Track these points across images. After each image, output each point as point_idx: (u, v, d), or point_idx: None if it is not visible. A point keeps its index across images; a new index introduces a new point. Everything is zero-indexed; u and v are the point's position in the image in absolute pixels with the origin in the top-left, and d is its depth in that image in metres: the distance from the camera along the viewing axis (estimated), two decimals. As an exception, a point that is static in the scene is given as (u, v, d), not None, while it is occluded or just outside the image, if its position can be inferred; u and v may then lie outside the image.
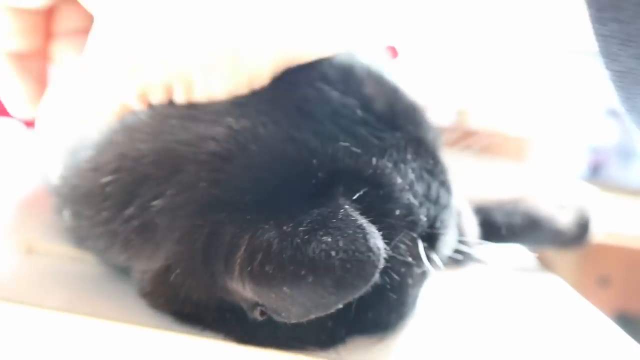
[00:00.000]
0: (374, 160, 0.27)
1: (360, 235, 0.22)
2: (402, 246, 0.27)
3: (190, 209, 0.25)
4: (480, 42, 1.50)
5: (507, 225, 0.51)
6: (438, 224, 0.29)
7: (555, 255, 1.21)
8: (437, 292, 0.35)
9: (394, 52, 1.40)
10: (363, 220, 0.23)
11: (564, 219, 0.54)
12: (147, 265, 0.27)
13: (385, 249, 0.23)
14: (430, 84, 1.51)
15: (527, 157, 1.30)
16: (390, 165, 0.27)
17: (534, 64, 1.42)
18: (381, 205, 0.26)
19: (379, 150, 0.27)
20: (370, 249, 0.22)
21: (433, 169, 0.30)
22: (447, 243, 0.31)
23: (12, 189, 0.50)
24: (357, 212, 0.24)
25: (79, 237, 0.31)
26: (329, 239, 0.22)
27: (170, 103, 0.27)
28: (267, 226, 0.23)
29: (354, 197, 0.25)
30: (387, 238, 0.24)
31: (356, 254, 0.22)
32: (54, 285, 0.32)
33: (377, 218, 0.25)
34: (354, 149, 0.26)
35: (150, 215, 0.26)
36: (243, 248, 0.23)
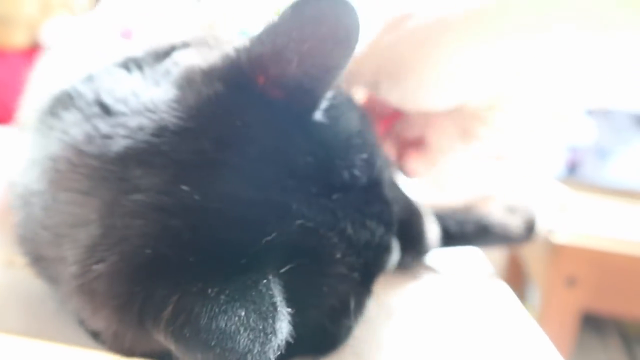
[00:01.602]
0: (321, 231, 0.29)
1: (271, 315, 0.24)
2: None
3: (129, 275, 0.26)
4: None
5: (459, 233, 0.54)
6: (375, 266, 0.32)
7: (525, 256, 1.24)
8: (385, 297, 0.37)
9: None
10: (278, 298, 0.25)
11: (513, 223, 0.56)
12: (90, 321, 0.29)
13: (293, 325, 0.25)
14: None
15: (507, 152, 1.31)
16: (334, 233, 0.29)
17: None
18: (316, 269, 0.29)
19: (329, 220, 0.29)
20: (275, 332, 0.24)
21: (380, 214, 0.32)
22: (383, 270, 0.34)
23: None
24: (278, 285, 0.26)
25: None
26: (242, 313, 0.24)
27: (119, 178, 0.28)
28: (194, 289, 0.24)
29: (282, 270, 0.27)
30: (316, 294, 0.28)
31: (262, 334, 0.24)
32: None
33: (309, 280, 0.28)
34: (307, 224, 0.28)
35: (90, 279, 0.27)
36: (170, 307, 0.24)
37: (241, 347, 0.23)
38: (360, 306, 0.32)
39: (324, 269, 0.29)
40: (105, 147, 0.29)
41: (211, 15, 0.46)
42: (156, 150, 0.28)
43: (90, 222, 0.28)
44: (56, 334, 0.33)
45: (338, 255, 0.30)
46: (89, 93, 0.32)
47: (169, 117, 0.29)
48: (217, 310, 0.24)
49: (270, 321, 0.24)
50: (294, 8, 0.28)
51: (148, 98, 0.30)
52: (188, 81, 0.30)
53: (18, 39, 1.10)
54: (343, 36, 0.28)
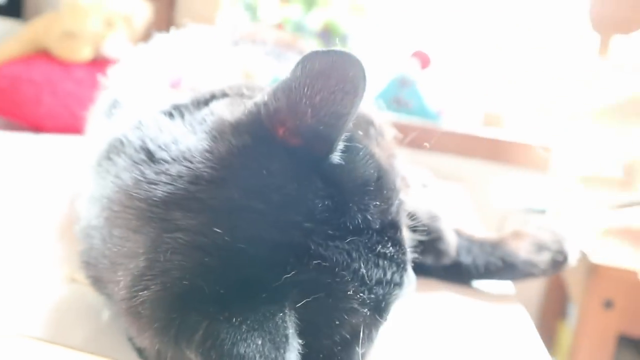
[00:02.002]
0: (336, 269, 0.33)
1: (283, 345, 0.29)
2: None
3: (169, 302, 0.31)
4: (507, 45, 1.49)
5: (485, 266, 0.56)
6: (387, 300, 0.36)
7: (566, 275, 1.23)
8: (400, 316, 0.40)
9: (425, 59, 1.41)
10: (291, 330, 0.30)
11: (540, 260, 0.58)
12: (137, 339, 0.33)
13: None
14: (459, 89, 1.51)
15: (549, 167, 1.30)
16: (347, 272, 0.33)
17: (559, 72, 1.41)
18: (330, 304, 0.33)
19: (343, 260, 0.33)
20: None
21: (392, 255, 0.36)
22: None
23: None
24: (294, 317, 0.31)
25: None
26: (260, 342, 0.28)
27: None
28: (221, 317, 0.29)
29: (299, 304, 0.31)
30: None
31: None
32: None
33: (323, 313, 0.33)
34: (323, 263, 0.32)
35: (136, 303, 0.32)
36: (200, 332, 0.29)
37: None
38: (370, 336, 0.35)
39: (337, 304, 0.33)
40: (150, 192, 0.34)
41: (247, 62, 0.50)
42: (193, 196, 0.33)
43: (139, 255, 0.33)
44: (110, 347, 0.38)
45: (350, 292, 0.33)
46: (136, 140, 0.37)
47: (203, 167, 0.33)
48: (238, 337, 0.28)
49: (282, 351, 0.28)
50: (303, 64, 0.31)
51: (186, 147, 0.35)
52: (220, 133, 0.35)
53: (84, 53, 1.18)
54: (350, 87, 0.32)
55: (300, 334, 0.31)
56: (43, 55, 1.19)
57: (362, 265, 0.34)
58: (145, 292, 0.32)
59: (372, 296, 0.35)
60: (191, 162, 0.34)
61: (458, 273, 0.59)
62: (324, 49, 0.31)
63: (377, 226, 0.36)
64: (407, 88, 1.43)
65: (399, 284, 0.37)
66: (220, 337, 0.28)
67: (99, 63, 1.18)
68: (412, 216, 0.55)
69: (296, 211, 0.33)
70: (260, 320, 0.29)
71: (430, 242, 0.57)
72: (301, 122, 0.33)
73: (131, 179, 0.35)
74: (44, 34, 1.20)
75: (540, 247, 0.61)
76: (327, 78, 0.32)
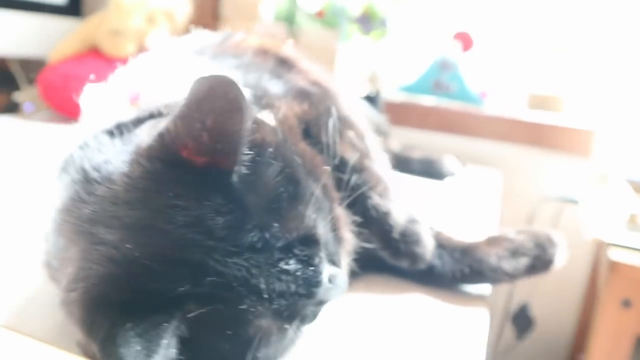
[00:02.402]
0: (232, 284, 0.36)
1: (152, 353, 0.33)
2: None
3: (87, 304, 0.35)
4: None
5: (452, 273, 0.57)
6: (290, 312, 0.39)
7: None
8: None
9: (467, 41, 1.38)
10: (168, 340, 0.34)
11: (513, 265, 0.58)
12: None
13: None
14: (502, 72, 1.46)
15: (591, 152, 1.24)
16: (246, 288, 0.37)
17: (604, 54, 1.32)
18: (223, 316, 0.37)
19: (241, 276, 0.36)
20: None
21: (296, 271, 0.39)
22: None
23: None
24: (182, 325, 0.36)
25: None
26: (138, 347, 0.32)
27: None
28: (119, 322, 0.33)
29: (190, 315, 0.35)
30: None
31: None
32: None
33: (216, 323, 0.37)
34: (218, 280, 0.36)
35: (69, 303, 0.37)
36: (103, 333, 0.33)
37: None
38: (269, 342, 0.38)
39: (230, 316, 0.36)
40: (81, 210, 0.38)
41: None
42: (113, 215, 0.37)
43: (72, 262, 0.38)
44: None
45: (244, 306, 0.36)
46: (78, 160, 0.42)
47: (121, 190, 0.37)
48: (125, 341, 0.32)
49: (150, 358, 0.32)
50: (191, 91, 0.35)
51: (113, 168, 0.39)
52: (137, 157, 0.38)
53: (128, 49, 1.26)
54: (234, 106, 0.35)
55: (192, 341, 0.35)
56: (94, 52, 1.29)
57: (262, 280, 0.37)
58: (73, 294, 0.37)
59: (275, 307, 0.38)
60: (113, 184, 0.38)
61: (431, 277, 0.59)
62: (204, 76, 0.34)
63: (280, 244, 0.38)
64: (449, 71, 1.40)
65: (307, 295, 0.39)
66: (113, 339, 0.33)
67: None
68: (386, 220, 0.56)
69: (197, 231, 0.36)
70: (146, 328, 0.33)
71: (406, 246, 0.58)
72: (199, 143, 0.36)
73: (69, 197, 0.40)
74: (95, 32, 1.30)
75: (516, 253, 0.60)
76: (212, 101, 0.35)
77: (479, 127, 1.35)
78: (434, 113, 1.39)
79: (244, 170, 0.38)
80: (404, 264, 0.58)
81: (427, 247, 0.58)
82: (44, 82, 1.24)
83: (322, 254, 0.42)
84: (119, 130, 0.44)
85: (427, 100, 1.43)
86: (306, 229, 0.40)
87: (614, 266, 0.85)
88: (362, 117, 0.74)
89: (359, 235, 0.55)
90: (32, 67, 1.44)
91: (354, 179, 0.57)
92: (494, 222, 0.95)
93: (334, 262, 0.45)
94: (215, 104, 0.35)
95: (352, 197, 0.55)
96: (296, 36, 1.44)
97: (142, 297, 0.35)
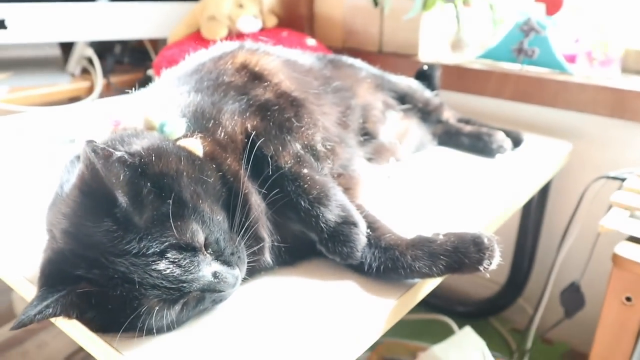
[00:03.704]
0: (115, 275, 0.53)
1: (39, 312, 0.52)
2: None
3: (40, 270, 0.56)
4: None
5: (377, 268, 0.67)
6: (165, 300, 0.56)
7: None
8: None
9: (554, 3, 1.33)
10: (53, 308, 0.53)
11: (427, 267, 0.65)
12: None
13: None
14: (591, 37, 1.35)
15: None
16: (123, 279, 0.54)
17: None
18: (102, 294, 0.55)
19: (121, 270, 0.53)
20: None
21: (166, 270, 0.54)
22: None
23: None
24: (72, 297, 0.54)
25: None
26: (36, 309, 0.52)
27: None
28: (42, 288, 0.55)
29: (79, 290, 0.54)
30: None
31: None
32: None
33: (97, 299, 0.55)
34: (106, 271, 0.53)
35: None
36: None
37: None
38: (149, 316, 0.54)
39: (107, 295, 0.54)
40: (54, 211, 0.58)
41: (148, 111, 0.68)
42: (58, 220, 0.56)
43: (54, 233, 0.57)
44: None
45: (118, 292, 0.53)
46: (64, 174, 0.61)
47: (63, 206, 0.56)
48: (36, 303, 0.52)
49: (35, 317, 0.52)
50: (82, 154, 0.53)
51: (66, 189, 0.57)
52: (74, 183, 0.56)
53: (221, 32, 1.45)
54: (96, 170, 0.52)
55: (86, 309, 0.55)
56: (196, 36, 1.50)
57: (136, 275, 0.53)
58: (42, 255, 0.58)
59: (151, 293, 0.53)
60: (63, 200, 0.56)
61: (361, 270, 0.68)
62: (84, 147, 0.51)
63: (152, 251, 0.53)
64: (532, 35, 1.34)
65: (176, 289, 0.54)
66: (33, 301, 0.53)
67: (231, 38, 1.44)
68: (317, 222, 0.67)
69: (95, 240, 0.53)
70: (45, 295, 0.53)
71: (334, 246, 0.67)
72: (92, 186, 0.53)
73: (54, 195, 0.61)
74: (199, 17, 1.50)
75: (433, 255, 0.66)
76: (89, 164, 0.51)
77: (558, 96, 1.29)
78: (511, 80, 1.35)
79: (126, 201, 0.53)
80: (336, 259, 0.68)
81: (356, 247, 0.67)
82: (156, 65, 1.49)
83: (199, 258, 0.55)
84: (77, 159, 0.62)
85: (507, 67, 1.39)
86: (182, 239, 0.54)
87: (617, 262, 0.83)
88: (332, 119, 0.83)
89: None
90: (162, 46, 1.71)
91: (287, 185, 0.68)
92: (516, 202, 0.96)
93: (226, 262, 0.58)
94: (93, 166, 0.52)
95: (284, 202, 0.67)
96: (381, 5, 1.49)
97: (57, 272, 0.54)
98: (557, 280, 1.28)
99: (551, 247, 1.42)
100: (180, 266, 0.54)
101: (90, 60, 1.68)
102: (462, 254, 0.65)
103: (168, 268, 0.54)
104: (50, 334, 1.34)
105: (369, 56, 1.36)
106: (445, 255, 0.66)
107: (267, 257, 0.66)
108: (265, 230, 0.65)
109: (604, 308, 0.87)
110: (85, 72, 1.71)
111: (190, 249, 0.55)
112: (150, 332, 0.56)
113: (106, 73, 1.66)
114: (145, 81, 1.71)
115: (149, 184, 0.55)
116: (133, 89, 0.79)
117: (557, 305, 1.25)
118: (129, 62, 1.82)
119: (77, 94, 1.65)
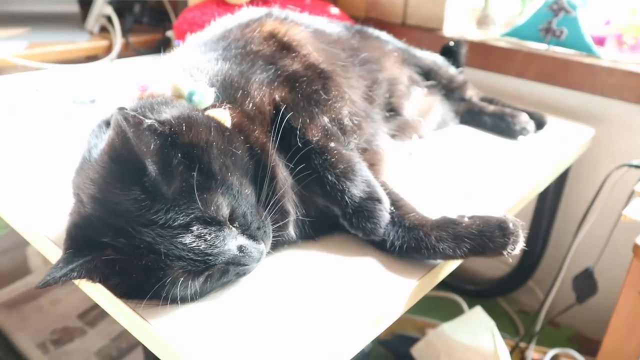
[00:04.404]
0: (141, 245, 0.53)
1: (65, 274, 0.52)
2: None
3: (67, 233, 0.56)
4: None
5: (400, 247, 0.67)
6: (189, 271, 0.56)
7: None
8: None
9: None
10: (78, 271, 0.54)
11: (451, 249, 0.65)
12: None
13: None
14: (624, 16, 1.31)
15: None
16: (149, 249, 0.54)
17: None
18: (127, 262, 0.55)
19: (147, 241, 0.53)
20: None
21: (191, 243, 0.54)
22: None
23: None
24: (97, 262, 0.55)
25: None
26: (61, 272, 0.52)
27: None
28: (70, 250, 0.55)
29: (105, 257, 0.54)
30: None
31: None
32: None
33: (123, 266, 0.55)
34: (131, 240, 0.53)
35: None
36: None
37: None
38: (174, 285, 0.54)
39: (132, 263, 0.54)
40: (81, 175, 0.58)
41: (176, 79, 0.67)
42: (86, 185, 0.56)
43: (82, 198, 0.57)
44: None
45: (143, 261, 0.53)
46: (92, 139, 0.61)
47: (92, 171, 0.55)
48: (62, 265, 0.53)
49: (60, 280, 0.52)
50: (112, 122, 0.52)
51: (95, 154, 0.57)
52: (103, 149, 0.55)
53: (243, -3, 1.42)
54: (127, 139, 0.51)
55: (111, 275, 0.55)
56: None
57: (162, 247, 0.52)
58: (69, 217, 0.58)
59: (176, 264, 0.53)
60: (92, 165, 0.56)
61: (384, 247, 0.69)
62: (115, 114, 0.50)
63: (178, 223, 0.53)
64: (562, 15, 1.30)
65: (201, 261, 0.54)
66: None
67: (256, 3, 1.41)
68: (341, 197, 0.66)
69: (122, 208, 0.52)
70: (71, 257, 0.54)
71: (358, 221, 0.67)
72: (122, 155, 0.52)
73: (81, 159, 0.60)
74: (221, -21, 1.47)
75: (457, 238, 0.65)
76: (121, 133, 0.51)
77: (584, 79, 1.26)
78: (537, 61, 1.32)
79: (155, 171, 0.52)
80: (358, 234, 0.68)
81: (380, 223, 0.67)
82: (176, 27, 1.47)
83: (224, 232, 0.55)
84: (105, 124, 0.61)
85: (533, 47, 1.36)
86: (207, 213, 0.54)
87: (636, 251, 0.83)
88: (359, 93, 0.82)
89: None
90: (182, 7, 1.69)
91: (315, 159, 0.67)
92: (537, 185, 0.95)
93: (252, 236, 0.58)
94: (124, 135, 0.51)
95: (313, 176, 0.67)
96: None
97: (84, 237, 0.55)
98: (570, 266, 1.27)
99: (566, 232, 1.42)
100: (205, 240, 0.54)
101: (109, 19, 1.66)
102: (487, 238, 0.65)
103: (194, 241, 0.53)
104: (64, 291, 1.36)
105: (392, 28, 1.34)
106: (470, 238, 0.65)
107: (292, 231, 0.66)
108: (291, 204, 0.65)
109: (620, 297, 0.87)
110: (103, 30, 1.69)
111: (215, 222, 0.55)
112: (174, 302, 0.56)
113: (125, 32, 1.64)
114: (164, 43, 1.71)
115: (179, 154, 0.54)
116: (161, 52, 0.77)
117: (568, 290, 1.25)
118: (148, 22, 1.79)
119: (95, 53, 1.63)
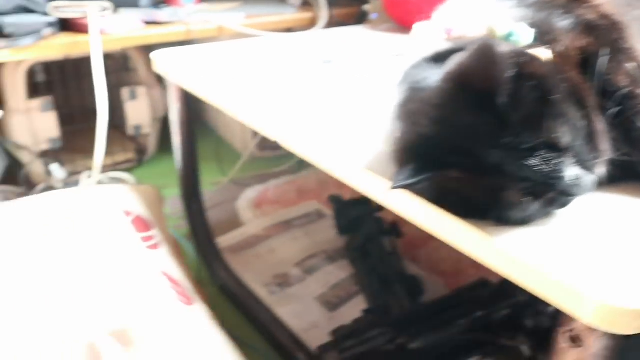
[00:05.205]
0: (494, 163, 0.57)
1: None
2: None
3: (403, 154, 0.62)
4: None
5: None
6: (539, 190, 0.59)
7: None
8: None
9: None
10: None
11: None
12: None
13: None
14: None
15: None
16: (496, 170, 0.58)
17: None
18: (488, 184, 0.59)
19: (499, 161, 0.57)
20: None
21: (535, 165, 0.56)
22: None
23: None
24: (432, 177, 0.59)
25: None
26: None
27: None
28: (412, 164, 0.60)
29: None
30: None
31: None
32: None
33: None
34: (487, 159, 0.58)
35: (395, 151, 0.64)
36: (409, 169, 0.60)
37: None
38: (509, 208, 0.59)
39: (473, 183, 0.59)
40: (409, 106, 0.64)
41: (491, 19, 0.69)
42: (425, 110, 0.61)
43: (400, 132, 0.64)
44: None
45: (485, 181, 0.58)
46: (410, 75, 0.67)
47: (432, 96, 0.61)
48: (407, 175, 0.59)
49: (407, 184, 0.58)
50: (474, 48, 0.56)
51: (430, 82, 0.62)
52: (444, 77, 0.60)
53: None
54: (493, 61, 0.56)
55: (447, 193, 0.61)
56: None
57: (509, 168, 0.56)
58: (397, 147, 0.65)
59: (518, 186, 0.57)
60: (429, 92, 0.61)
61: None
62: (479, 44, 0.54)
63: (526, 146, 0.56)
64: None
65: (544, 184, 0.57)
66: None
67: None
68: None
69: (468, 130, 0.57)
70: (415, 173, 0.58)
71: None
72: (478, 79, 0.56)
73: (404, 98, 0.66)
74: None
75: None
76: (481, 59, 0.56)
77: None
78: None
79: (507, 97, 0.56)
80: None
81: None
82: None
83: (564, 159, 0.58)
84: (436, 58, 0.66)
85: None
86: (551, 139, 0.57)
87: None
88: None
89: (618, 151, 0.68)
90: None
91: (624, 104, 0.67)
92: None
93: (585, 167, 0.60)
94: (481, 61, 0.55)
95: (620, 120, 0.67)
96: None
97: (426, 155, 0.60)
98: None
99: None
100: (549, 164, 0.57)
101: (311, -6, 1.76)
102: None
103: (538, 165, 0.56)
104: (279, 241, 1.47)
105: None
106: None
107: (604, 171, 0.67)
108: (605, 145, 0.66)
109: None
110: (305, 4, 1.80)
111: (557, 149, 0.57)
112: (507, 223, 0.60)
113: (330, 6, 1.73)
114: (359, 16, 1.78)
115: (525, 83, 0.57)
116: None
117: None
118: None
119: (299, 24, 1.74)
